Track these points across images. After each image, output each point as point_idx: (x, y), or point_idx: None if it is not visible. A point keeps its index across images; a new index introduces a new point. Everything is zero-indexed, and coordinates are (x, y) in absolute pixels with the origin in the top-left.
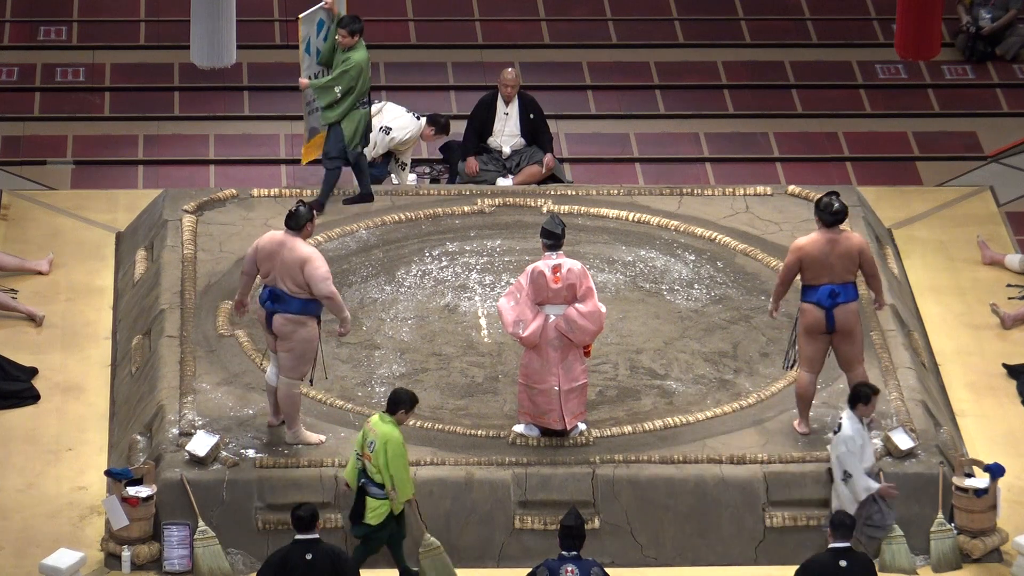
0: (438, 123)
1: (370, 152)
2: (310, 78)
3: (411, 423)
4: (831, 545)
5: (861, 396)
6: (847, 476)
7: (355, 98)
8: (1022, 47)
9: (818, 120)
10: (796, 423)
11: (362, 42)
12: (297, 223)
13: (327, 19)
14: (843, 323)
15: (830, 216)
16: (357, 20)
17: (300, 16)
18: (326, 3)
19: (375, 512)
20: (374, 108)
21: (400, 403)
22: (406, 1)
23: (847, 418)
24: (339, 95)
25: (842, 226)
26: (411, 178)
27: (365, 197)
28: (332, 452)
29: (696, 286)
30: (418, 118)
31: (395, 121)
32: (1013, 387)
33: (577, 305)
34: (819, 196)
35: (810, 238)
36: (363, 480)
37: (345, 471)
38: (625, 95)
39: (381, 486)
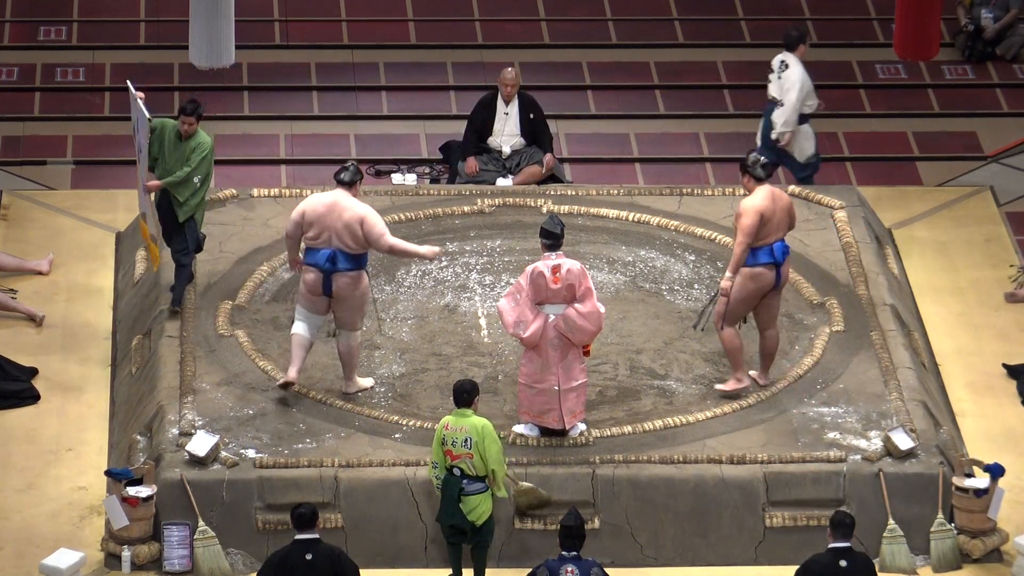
0: (792, 36)
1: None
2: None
3: (411, 423)
4: (831, 545)
5: None
6: None
7: (208, 183)
8: (1022, 47)
9: (818, 120)
10: (755, 374)
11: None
12: (352, 177)
13: (146, 112)
14: (785, 277)
15: (762, 170)
16: (199, 103)
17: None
18: (141, 97)
19: (479, 508)
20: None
21: (471, 392)
22: (406, 1)
23: None
24: (198, 184)
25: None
26: (411, 178)
27: (177, 301)
28: (332, 452)
29: (696, 286)
30: (785, 67)
31: (787, 95)
32: (1013, 387)
33: (576, 305)
34: (745, 156)
35: (759, 196)
36: (462, 485)
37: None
38: (625, 95)
39: (481, 479)
